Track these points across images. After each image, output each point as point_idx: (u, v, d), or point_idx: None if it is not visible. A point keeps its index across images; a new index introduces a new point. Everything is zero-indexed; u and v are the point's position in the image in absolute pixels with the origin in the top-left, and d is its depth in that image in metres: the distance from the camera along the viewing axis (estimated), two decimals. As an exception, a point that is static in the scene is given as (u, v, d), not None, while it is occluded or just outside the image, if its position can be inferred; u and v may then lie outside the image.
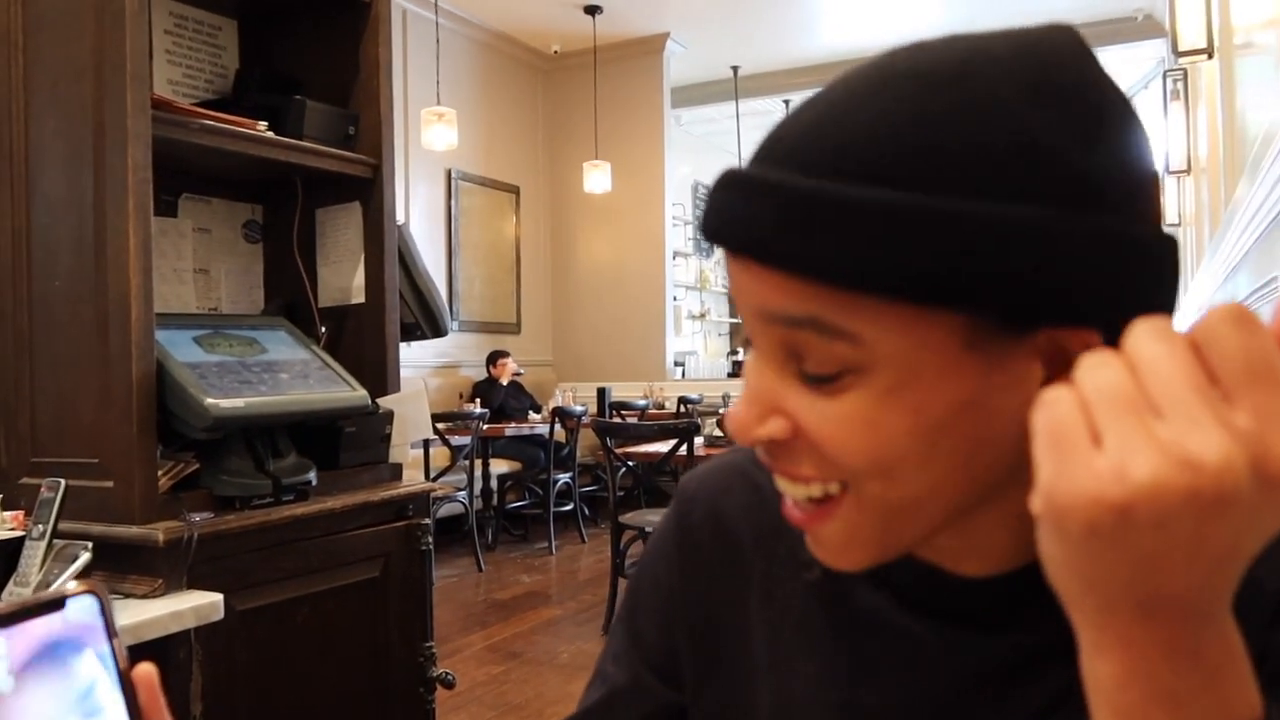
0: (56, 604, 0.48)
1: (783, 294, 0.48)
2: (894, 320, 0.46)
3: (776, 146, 0.49)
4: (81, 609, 0.49)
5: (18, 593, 1.43)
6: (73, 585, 0.49)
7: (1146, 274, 0.46)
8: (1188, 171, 5.56)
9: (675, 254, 9.04)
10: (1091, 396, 0.36)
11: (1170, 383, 0.35)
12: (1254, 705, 0.39)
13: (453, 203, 7.73)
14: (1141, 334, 0.36)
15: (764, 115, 10.11)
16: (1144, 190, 0.47)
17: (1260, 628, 0.48)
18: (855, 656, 0.61)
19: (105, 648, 0.49)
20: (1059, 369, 0.45)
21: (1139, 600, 0.37)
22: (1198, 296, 4.46)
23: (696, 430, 4.42)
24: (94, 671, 0.48)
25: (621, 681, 0.72)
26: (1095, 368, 0.36)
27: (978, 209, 0.44)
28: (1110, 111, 0.47)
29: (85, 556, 1.45)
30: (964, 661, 0.57)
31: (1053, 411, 0.36)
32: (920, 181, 0.45)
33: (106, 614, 0.49)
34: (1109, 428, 0.35)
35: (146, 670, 0.50)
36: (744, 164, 0.51)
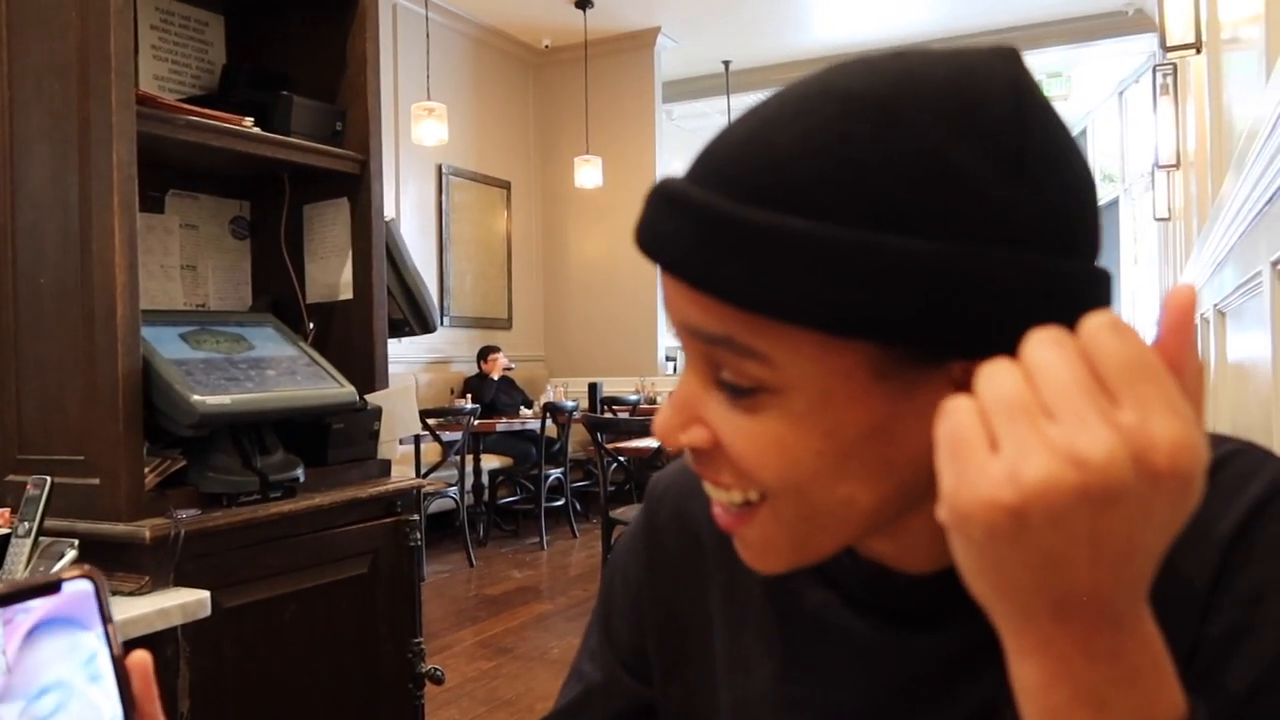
0: (52, 587, 0.48)
1: (700, 311, 0.49)
2: (804, 346, 0.46)
3: (706, 162, 0.50)
4: (77, 593, 0.48)
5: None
6: (69, 569, 0.49)
7: (1069, 308, 0.44)
8: (1177, 166, 5.58)
9: (667, 249, 9.01)
10: (989, 404, 0.37)
11: (1061, 386, 0.36)
12: (1178, 704, 0.40)
13: (444, 198, 7.71)
14: (1036, 342, 0.38)
15: (755, 110, 10.10)
16: (1074, 225, 0.46)
17: (1188, 623, 0.49)
18: (803, 655, 0.62)
19: (100, 633, 0.49)
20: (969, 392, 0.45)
21: (1052, 602, 0.38)
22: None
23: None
24: (93, 645, 0.48)
25: (597, 680, 0.73)
26: (992, 376, 0.38)
27: (887, 242, 0.44)
28: (1039, 147, 0.46)
29: (71, 554, 1.45)
30: (907, 659, 0.58)
31: (953, 421, 0.38)
32: (834, 211, 0.44)
33: (102, 599, 0.49)
34: (1005, 433, 0.36)
35: (141, 658, 0.50)
36: (679, 174, 0.51)
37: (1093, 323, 0.38)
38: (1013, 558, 0.37)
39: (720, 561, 0.68)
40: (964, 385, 0.45)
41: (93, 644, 0.48)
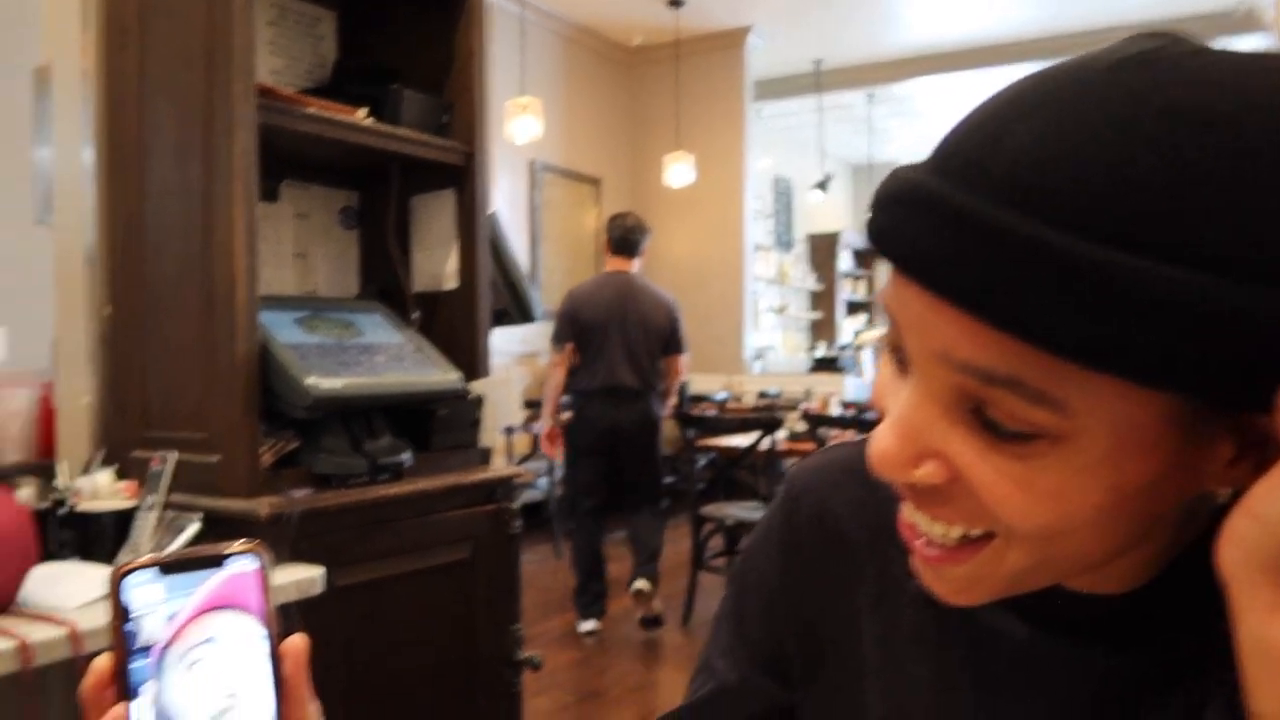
0: (216, 560, 0.48)
1: (980, 346, 0.42)
2: (1105, 394, 0.41)
3: (986, 166, 0.42)
4: (241, 567, 0.49)
5: (130, 561, 1.48)
6: (238, 544, 0.49)
7: None
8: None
9: (755, 247, 8.97)
10: None
11: None
12: None
13: (535, 194, 7.80)
14: None
15: (846, 109, 9.99)
16: None
17: None
18: (973, 667, 0.59)
19: (258, 610, 0.49)
20: (1249, 444, 0.42)
21: None
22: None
23: (779, 424, 4.40)
24: (247, 630, 0.48)
25: (730, 680, 0.71)
26: None
27: (1232, 291, 0.38)
28: None
29: (195, 527, 1.51)
30: (1086, 678, 0.54)
31: None
32: (1170, 249, 0.38)
33: (264, 576, 0.49)
34: None
35: (298, 642, 0.50)
36: (935, 179, 0.44)
37: None
38: None
39: (870, 561, 0.64)
40: (1240, 434, 0.43)
41: (251, 623, 0.49)
